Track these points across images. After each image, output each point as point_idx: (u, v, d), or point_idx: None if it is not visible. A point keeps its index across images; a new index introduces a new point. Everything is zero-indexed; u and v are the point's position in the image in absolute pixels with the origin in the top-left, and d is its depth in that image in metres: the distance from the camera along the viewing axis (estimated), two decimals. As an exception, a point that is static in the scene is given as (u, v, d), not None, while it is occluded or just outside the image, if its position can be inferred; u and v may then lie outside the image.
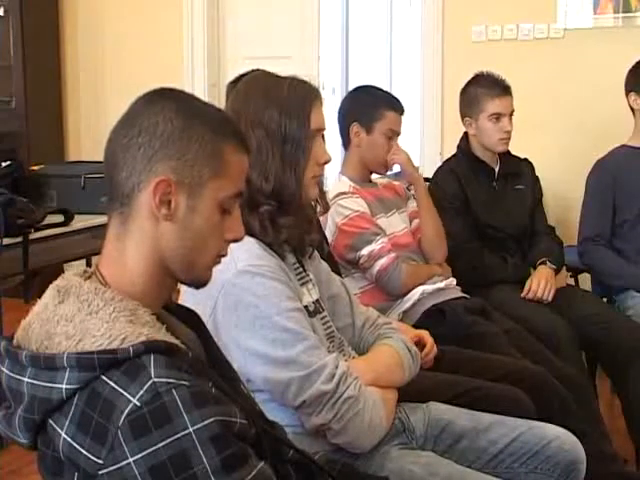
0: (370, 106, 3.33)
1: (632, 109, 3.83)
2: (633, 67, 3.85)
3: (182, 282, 1.52)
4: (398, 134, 3.36)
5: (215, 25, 5.78)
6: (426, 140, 5.33)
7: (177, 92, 1.50)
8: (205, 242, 1.46)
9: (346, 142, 3.38)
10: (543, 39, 5.06)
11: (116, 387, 1.28)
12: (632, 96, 3.80)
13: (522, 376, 2.72)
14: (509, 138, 3.69)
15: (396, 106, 3.36)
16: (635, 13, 4.93)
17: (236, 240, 1.52)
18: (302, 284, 2.15)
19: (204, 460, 1.26)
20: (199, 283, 1.52)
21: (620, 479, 2.94)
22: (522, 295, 3.51)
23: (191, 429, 1.26)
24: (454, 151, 3.88)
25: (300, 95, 2.11)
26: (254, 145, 2.04)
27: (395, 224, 3.36)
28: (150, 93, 1.48)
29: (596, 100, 4.79)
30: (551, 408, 2.66)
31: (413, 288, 3.21)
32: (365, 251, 3.17)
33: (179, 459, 1.26)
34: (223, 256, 1.52)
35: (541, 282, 3.53)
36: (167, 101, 1.45)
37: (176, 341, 1.39)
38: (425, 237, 3.43)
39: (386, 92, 3.46)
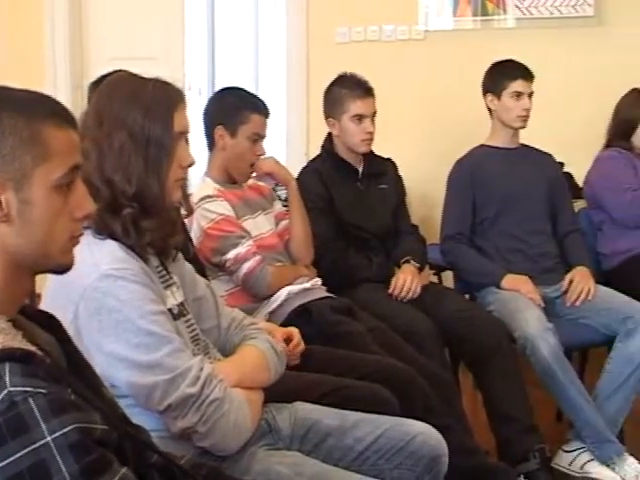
0: (235, 109, 3.30)
1: (489, 110, 3.94)
2: (489, 69, 3.96)
3: (46, 272, 1.48)
4: (263, 137, 3.35)
5: (78, 25, 5.64)
6: (292, 140, 5.35)
7: None
8: (52, 230, 1.42)
9: (211, 144, 3.36)
10: (405, 40, 5.14)
11: None
12: (489, 97, 3.91)
13: (387, 374, 2.76)
14: (371, 139, 3.74)
15: (261, 109, 3.34)
16: (492, 16, 5.06)
17: (87, 216, 1.48)
18: (166, 287, 2.13)
19: (63, 469, 1.24)
20: (62, 269, 1.48)
21: (481, 471, 3.02)
22: (389, 292, 3.57)
23: (49, 438, 1.24)
24: (320, 151, 3.91)
25: (164, 97, 2.09)
26: (117, 147, 2.01)
27: (261, 225, 3.37)
28: None
29: (457, 101, 4.89)
30: (415, 405, 2.71)
31: (279, 289, 3.22)
32: (231, 254, 3.17)
33: (38, 469, 1.23)
34: (79, 236, 1.48)
35: (406, 280, 3.59)
36: None
37: (33, 348, 1.35)
38: (294, 239, 3.45)
39: (251, 94, 3.44)
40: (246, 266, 3.17)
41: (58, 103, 1.48)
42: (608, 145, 4.11)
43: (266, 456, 2.11)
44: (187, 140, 2.16)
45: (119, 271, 1.95)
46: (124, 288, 1.94)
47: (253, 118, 3.30)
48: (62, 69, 5.59)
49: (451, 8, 5.11)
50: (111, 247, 1.99)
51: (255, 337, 2.27)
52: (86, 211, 1.47)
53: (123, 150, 2.02)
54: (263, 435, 2.18)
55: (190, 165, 2.15)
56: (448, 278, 4.23)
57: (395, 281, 3.60)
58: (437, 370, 3.17)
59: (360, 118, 3.70)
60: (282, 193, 3.68)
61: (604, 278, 3.89)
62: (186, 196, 2.29)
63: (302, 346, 2.61)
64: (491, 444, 3.39)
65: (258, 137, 3.32)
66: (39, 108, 1.42)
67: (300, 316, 3.15)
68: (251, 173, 3.42)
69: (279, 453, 2.15)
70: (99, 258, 1.93)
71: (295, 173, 3.79)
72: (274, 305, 3.19)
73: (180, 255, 2.28)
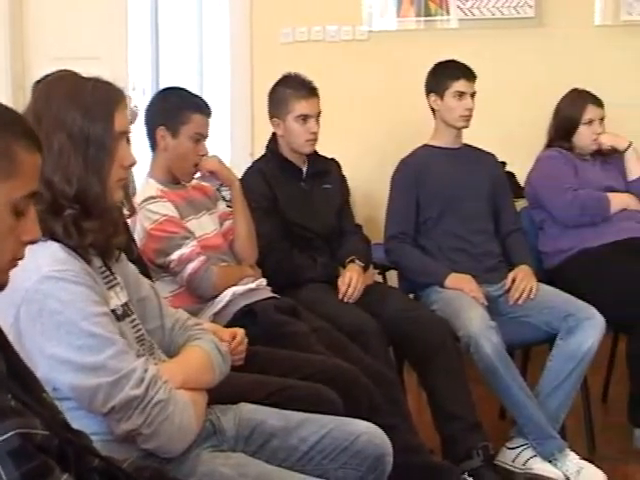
0: (176, 109, 3.28)
1: (433, 110, 3.97)
2: (432, 69, 3.99)
3: None
4: (205, 137, 3.34)
5: (19, 24, 5.56)
6: (236, 141, 5.34)
7: None
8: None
9: (153, 145, 3.34)
10: (349, 41, 5.17)
11: None
12: (432, 97, 3.94)
13: (332, 374, 2.77)
14: (316, 139, 3.74)
15: (203, 108, 3.33)
16: (435, 17, 5.10)
17: (33, 242, 1.48)
18: (109, 287, 2.12)
19: (3, 476, 1.23)
20: None
21: (426, 469, 3.05)
22: (337, 293, 3.57)
23: (-11, 444, 1.23)
24: (264, 151, 3.90)
25: (104, 97, 2.08)
26: (56, 148, 2.00)
27: (205, 226, 3.35)
28: None
29: (401, 101, 4.92)
30: (360, 404, 2.72)
31: (224, 290, 3.22)
32: (175, 255, 3.15)
33: None
34: (20, 259, 1.47)
35: (352, 280, 3.60)
36: None
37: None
38: (238, 239, 3.44)
39: (192, 94, 3.42)
40: (190, 267, 3.16)
41: (31, 127, 1.49)
42: (549, 145, 4.16)
43: (210, 458, 2.10)
44: (128, 140, 2.15)
45: (61, 273, 1.94)
46: (66, 290, 1.93)
47: (194, 118, 3.28)
48: (3, 69, 5.51)
49: (394, 9, 5.14)
50: (52, 249, 1.97)
51: (199, 338, 2.26)
52: (33, 236, 1.47)
53: (62, 151, 2.00)
54: (208, 437, 2.17)
55: (131, 165, 2.14)
56: (392, 278, 4.25)
57: (342, 280, 3.61)
58: (382, 369, 3.18)
59: (305, 118, 3.71)
60: (226, 194, 3.67)
61: (546, 276, 3.94)
62: (128, 196, 2.28)
63: (244, 346, 2.61)
64: (435, 442, 3.41)
65: (200, 137, 3.30)
66: (14, 126, 1.43)
67: (245, 317, 3.15)
68: (194, 173, 3.40)
69: (223, 454, 2.14)
70: (40, 260, 1.91)
71: (240, 173, 3.78)
72: (219, 306, 3.18)
73: (123, 256, 2.26)
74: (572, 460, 3.44)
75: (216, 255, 3.31)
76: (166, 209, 3.19)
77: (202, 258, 3.18)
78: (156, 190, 3.24)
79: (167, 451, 2.01)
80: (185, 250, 3.15)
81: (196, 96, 3.41)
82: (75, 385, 1.92)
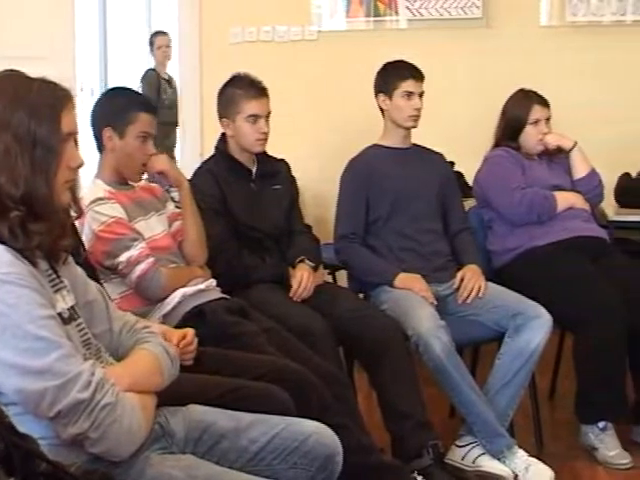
0: (122, 109, 3.26)
1: (382, 110, 3.98)
2: (381, 69, 4.00)
3: None
4: (152, 136, 3.32)
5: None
6: (186, 141, 5.33)
7: None
8: None
9: (100, 146, 3.31)
10: (298, 41, 5.18)
11: None
12: (381, 97, 3.95)
13: (282, 374, 2.77)
14: (266, 139, 3.74)
15: (148, 107, 3.32)
16: (384, 17, 5.13)
17: None
18: (56, 291, 2.10)
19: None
20: None
21: (376, 468, 3.05)
22: (289, 293, 3.58)
23: None
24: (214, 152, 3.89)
25: (50, 97, 2.06)
26: (2, 149, 1.97)
27: (154, 227, 3.33)
28: None
29: (350, 101, 4.94)
30: (310, 404, 2.72)
31: (173, 291, 3.20)
32: (123, 257, 3.13)
33: None
34: None
35: (303, 280, 3.61)
36: None
37: None
38: (188, 240, 3.43)
39: (138, 93, 3.42)
40: (139, 269, 3.14)
41: None
42: (496, 145, 4.19)
43: (160, 460, 2.09)
44: (76, 141, 2.13)
45: (6, 275, 1.91)
46: (12, 293, 1.90)
47: (141, 117, 3.26)
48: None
49: (344, 9, 5.17)
50: (-2, 251, 1.95)
51: (148, 341, 2.24)
52: None
53: (8, 152, 1.98)
54: (156, 439, 2.16)
55: (79, 166, 2.12)
56: (342, 278, 4.26)
57: (294, 279, 3.61)
58: (332, 369, 3.18)
59: (254, 118, 3.70)
60: (175, 195, 3.65)
61: (494, 275, 3.97)
62: (75, 198, 2.25)
63: (194, 346, 2.60)
64: (386, 441, 3.43)
65: (147, 135, 3.28)
66: None
67: (195, 318, 3.14)
68: (143, 173, 3.39)
69: (173, 457, 2.13)
70: (-15, 263, 1.89)
71: (190, 174, 3.77)
72: (168, 307, 3.17)
73: (70, 258, 2.24)
74: (520, 457, 3.46)
75: (165, 256, 3.29)
76: (114, 211, 3.17)
77: (151, 260, 3.16)
78: (104, 191, 3.22)
79: (115, 455, 1.99)
80: (133, 252, 3.13)
81: (141, 95, 3.39)
82: (21, 389, 1.90)
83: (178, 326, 2.97)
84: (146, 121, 3.28)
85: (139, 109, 3.27)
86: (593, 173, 4.17)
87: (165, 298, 3.19)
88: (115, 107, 3.29)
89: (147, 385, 2.12)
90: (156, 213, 3.38)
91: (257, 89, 3.73)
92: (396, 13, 5.14)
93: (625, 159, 4.82)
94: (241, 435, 2.25)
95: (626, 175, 4.80)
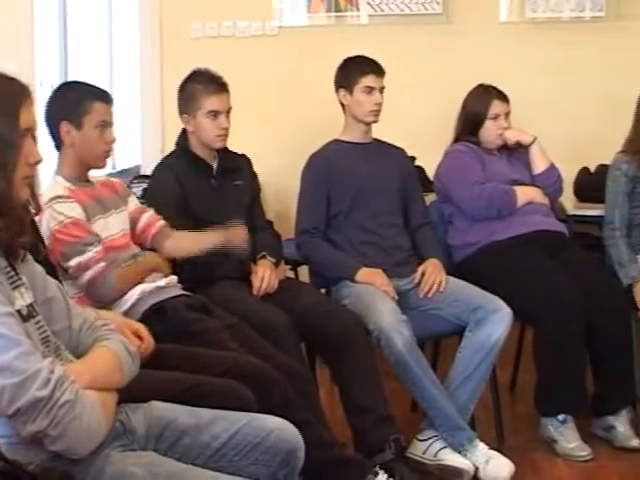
0: (76, 101, 3.21)
1: (342, 105, 3.99)
2: (341, 64, 4.01)
3: None
4: (111, 124, 3.28)
5: None
6: (146, 136, 5.31)
7: None
8: None
9: (58, 142, 3.27)
10: (259, 36, 5.18)
11: None
12: (341, 92, 3.96)
13: (244, 371, 2.76)
14: (226, 135, 3.72)
15: (103, 96, 3.27)
16: (345, 12, 5.15)
17: None
18: (14, 288, 2.08)
19: None
20: None
21: (338, 463, 3.07)
22: (251, 290, 3.57)
23: None
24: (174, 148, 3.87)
25: (8, 93, 2.04)
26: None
27: (112, 226, 3.28)
28: None
29: (312, 96, 4.94)
30: (272, 400, 2.72)
31: (128, 290, 3.18)
32: (73, 262, 3.09)
33: None
34: None
35: (264, 276, 3.60)
36: None
37: None
38: (176, 240, 3.47)
39: (89, 84, 3.34)
40: (88, 274, 3.09)
41: None
42: (457, 139, 4.22)
43: (121, 458, 2.08)
44: (34, 137, 2.11)
45: (-36, 273, 1.90)
46: (-31, 290, 1.89)
47: (96, 106, 3.21)
48: None
49: (305, 4, 5.18)
50: (-45, 248, 1.93)
51: (108, 338, 2.23)
52: None
53: (-34, 148, 1.96)
54: (117, 436, 2.15)
55: (38, 162, 2.10)
56: (304, 273, 4.26)
57: (255, 276, 3.61)
58: (294, 365, 3.18)
59: (215, 114, 3.68)
60: (137, 190, 3.63)
61: (455, 270, 3.99)
62: (34, 194, 2.24)
63: (153, 343, 2.59)
64: (348, 436, 3.44)
65: (105, 124, 3.24)
66: None
67: (154, 315, 3.11)
68: (107, 157, 3.34)
69: (134, 454, 2.13)
70: (-57, 260, 1.87)
71: (149, 169, 3.75)
72: (127, 305, 3.12)
73: (29, 256, 2.22)
74: (481, 450, 3.50)
75: (122, 256, 3.25)
76: (72, 211, 3.12)
77: (100, 265, 3.10)
78: (64, 188, 3.18)
79: (75, 452, 1.98)
80: (84, 258, 3.08)
81: (93, 86, 3.34)
82: (-21, 387, 1.89)
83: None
84: (102, 110, 3.23)
85: (93, 99, 3.22)
86: (552, 168, 4.21)
87: (123, 295, 3.16)
88: (68, 100, 3.24)
89: (107, 382, 2.11)
90: (116, 211, 3.34)
91: (217, 85, 3.72)
92: (357, 9, 5.16)
93: (584, 154, 4.87)
94: (202, 431, 2.25)
95: (585, 170, 4.85)
